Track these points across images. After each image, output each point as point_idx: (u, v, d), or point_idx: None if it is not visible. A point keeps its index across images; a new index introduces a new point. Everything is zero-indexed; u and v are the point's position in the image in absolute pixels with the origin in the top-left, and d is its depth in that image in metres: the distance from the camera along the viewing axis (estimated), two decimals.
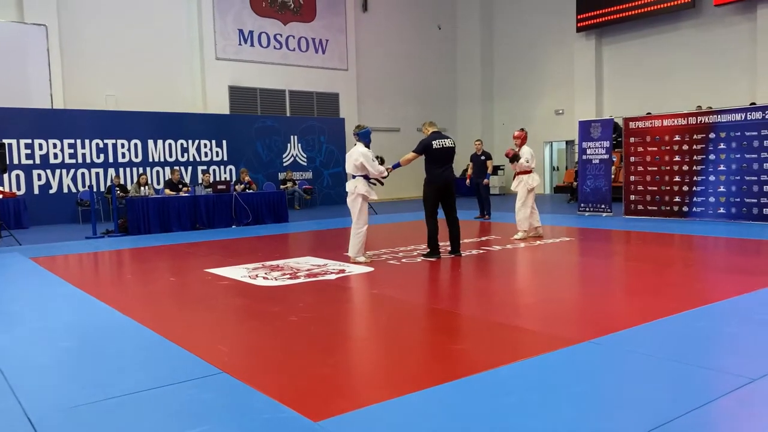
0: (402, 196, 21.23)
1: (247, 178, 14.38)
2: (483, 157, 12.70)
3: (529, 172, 9.21)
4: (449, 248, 7.65)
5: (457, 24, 23.46)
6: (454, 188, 7.50)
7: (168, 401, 3.06)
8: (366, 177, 7.29)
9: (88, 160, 14.91)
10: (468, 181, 13.05)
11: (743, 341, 3.85)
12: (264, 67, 18.76)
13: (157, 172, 15.88)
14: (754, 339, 3.85)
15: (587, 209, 12.62)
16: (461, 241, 7.77)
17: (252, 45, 18.56)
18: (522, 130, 9.56)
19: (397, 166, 7.47)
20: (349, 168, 7.34)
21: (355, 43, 20.70)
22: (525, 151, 9.23)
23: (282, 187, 16.97)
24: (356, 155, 7.19)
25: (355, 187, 7.25)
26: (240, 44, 18.30)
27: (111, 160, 15.21)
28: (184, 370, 3.48)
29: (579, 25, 19.32)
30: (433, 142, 7.25)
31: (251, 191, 13.56)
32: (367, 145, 7.32)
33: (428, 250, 7.45)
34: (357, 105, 20.75)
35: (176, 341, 4.07)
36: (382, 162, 7.62)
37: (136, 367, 3.63)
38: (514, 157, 9.18)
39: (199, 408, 2.96)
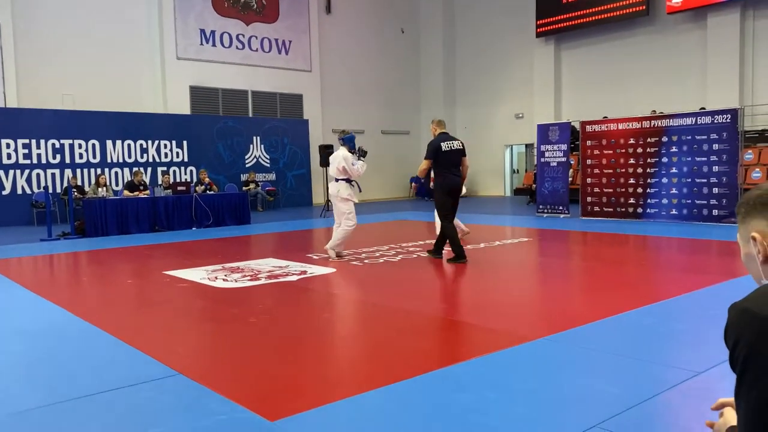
0: (366, 199, 21.25)
1: (206, 179, 14.21)
2: None
3: None
4: (428, 248, 7.64)
5: (420, 28, 23.63)
6: (460, 192, 7.32)
7: (122, 403, 3.02)
8: (348, 180, 7.53)
9: (43, 161, 14.52)
10: (432, 183, 13.17)
11: (690, 336, 4.00)
12: (226, 67, 18.57)
13: (116, 173, 15.57)
14: (700, 334, 4.01)
15: (545, 211, 12.87)
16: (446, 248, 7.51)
17: (214, 45, 18.36)
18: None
19: (417, 180, 7.40)
20: (333, 171, 7.57)
21: (319, 44, 20.67)
22: None
23: (244, 188, 16.82)
24: (339, 159, 7.45)
25: (338, 190, 7.51)
26: (201, 44, 18.08)
27: (68, 160, 14.85)
28: (140, 372, 3.45)
29: (538, 30, 19.68)
30: (441, 144, 7.05)
31: (212, 192, 13.42)
32: (350, 150, 7.56)
33: (453, 255, 7.20)
34: (321, 106, 20.72)
35: (132, 343, 4.02)
36: (364, 154, 7.74)
37: (90, 370, 3.57)
38: None
39: (154, 410, 2.94)
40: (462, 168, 7.22)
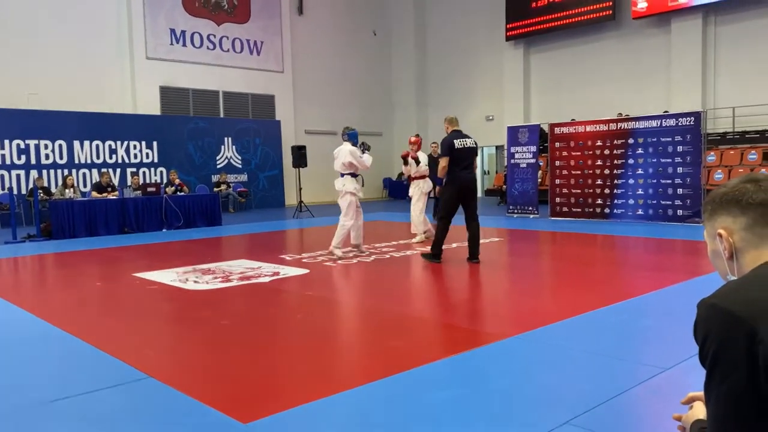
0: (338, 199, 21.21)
1: (177, 180, 14.03)
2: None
3: (424, 177, 9.60)
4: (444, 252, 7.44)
5: (392, 31, 23.69)
6: (476, 190, 7.20)
7: (92, 407, 2.97)
8: (353, 175, 7.72)
9: (8, 162, 14.17)
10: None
11: (657, 333, 4.10)
12: (197, 67, 18.36)
13: (84, 174, 15.27)
14: (667, 331, 4.11)
15: (516, 211, 13.02)
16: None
17: (184, 45, 18.13)
18: (417, 136, 9.97)
19: (440, 182, 7.31)
20: (338, 166, 7.73)
21: (291, 45, 20.57)
22: (422, 157, 9.63)
23: (216, 189, 16.64)
24: (345, 154, 7.64)
25: (343, 185, 7.69)
26: (172, 44, 17.84)
27: (33, 161, 14.51)
28: (109, 376, 3.40)
29: (508, 34, 19.89)
30: (455, 141, 6.92)
31: (183, 194, 13.25)
32: (354, 145, 7.76)
33: (430, 252, 7.14)
34: (293, 107, 20.62)
35: (101, 347, 3.96)
36: (368, 147, 7.98)
37: (58, 374, 3.51)
38: (416, 161, 9.48)
39: (125, 414, 2.90)
40: (473, 166, 7.11)
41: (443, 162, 6.98)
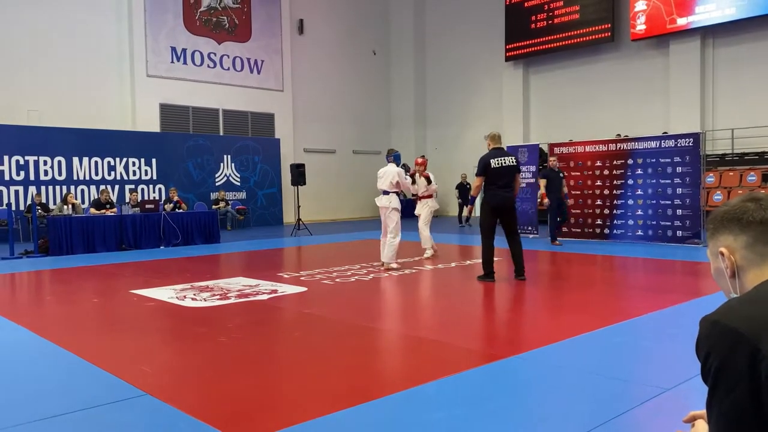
0: (338, 218, 21.22)
1: (176, 197, 14.03)
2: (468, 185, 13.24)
3: (431, 196, 9.87)
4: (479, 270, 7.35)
5: (392, 50, 23.89)
6: (514, 209, 7.14)
7: (89, 424, 2.94)
8: (397, 193, 8.27)
9: (6, 178, 14.17)
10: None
11: (657, 354, 4.07)
12: (197, 85, 18.45)
13: (82, 190, 15.26)
14: (667, 352, 4.08)
15: None
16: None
17: (185, 63, 18.24)
18: (423, 157, 10.34)
19: (473, 200, 7.39)
20: (385, 185, 8.28)
21: (291, 64, 20.71)
22: (432, 176, 10.04)
23: (214, 207, 16.63)
24: (393, 174, 8.22)
25: (390, 202, 8.23)
26: (172, 62, 17.95)
27: (32, 177, 14.52)
28: (106, 393, 3.36)
29: (507, 54, 20.06)
30: (491, 160, 6.91)
31: (181, 211, 13.24)
32: (398, 166, 8.37)
33: (483, 273, 7.14)
34: (292, 125, 20.71)
35: (98, 363, 3.92)
36: (408, 170, 8.62)
37: (55, 390, 3.47)
38: (427, 180, 9.78)
39: (122, 431, 2.87)
40: (514, 185, 7.05)
41: (477, 181, 7.05)
